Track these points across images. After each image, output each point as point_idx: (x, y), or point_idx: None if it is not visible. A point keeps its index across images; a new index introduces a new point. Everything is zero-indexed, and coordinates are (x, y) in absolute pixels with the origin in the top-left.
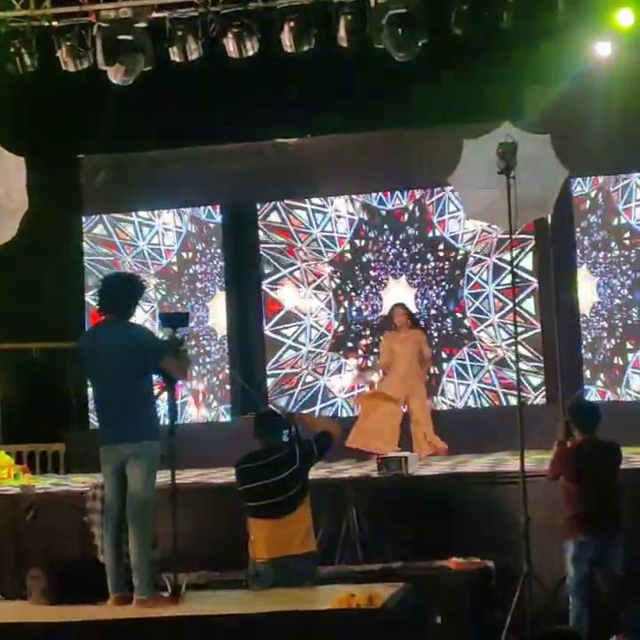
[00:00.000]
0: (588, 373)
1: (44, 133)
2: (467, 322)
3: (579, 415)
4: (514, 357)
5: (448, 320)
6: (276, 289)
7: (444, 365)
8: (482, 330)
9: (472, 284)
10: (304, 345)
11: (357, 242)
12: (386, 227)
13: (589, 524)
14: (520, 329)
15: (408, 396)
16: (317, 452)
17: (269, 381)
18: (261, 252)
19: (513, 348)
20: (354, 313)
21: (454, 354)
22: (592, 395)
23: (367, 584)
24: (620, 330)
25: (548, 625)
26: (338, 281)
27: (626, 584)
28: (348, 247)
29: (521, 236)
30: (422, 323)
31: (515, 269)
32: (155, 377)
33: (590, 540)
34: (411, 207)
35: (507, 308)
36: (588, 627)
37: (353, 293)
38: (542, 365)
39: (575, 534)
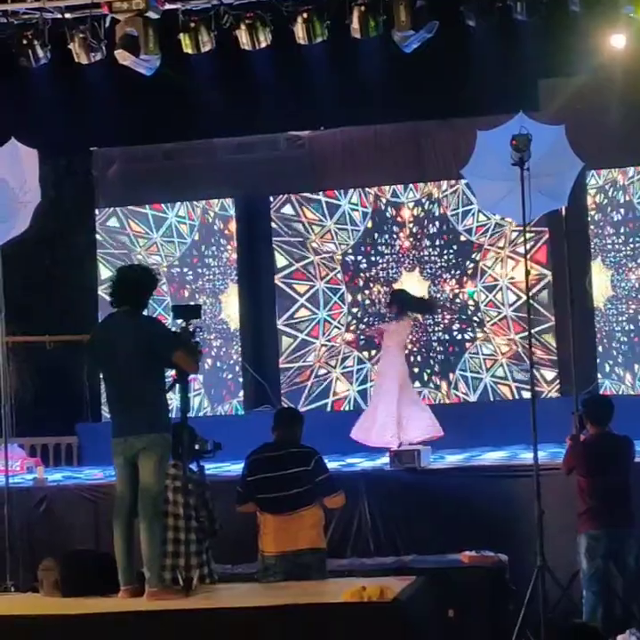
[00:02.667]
0: (602, 366)
1: (57, 126)
2: (480, 315)
3: (592, 409)
4: (527, 351)
5: (461, 313)
6: (290, 283)
7: (458, 358)
8: (495, 322)
9: (485, 277)
10: (317, 339)
11: (370, 235)
12: (399, 219)
13: (601, 517)
14: (533, 321)
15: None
16: (325, 481)
17: (282, 375)
18: (274, 245)
19: (527, 341)
20: (366, 306)
21: (467, 348)
22: (606, 388)
23: (379, 577)
24: (635, 323)
25: (562, 618)
26: (350, 274)
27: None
28: (360, 240)
29: (534, 228)
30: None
31: (528, 262)
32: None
33: (602, 533)
34: (424, 200)
35: (520, 302)
36: (602, 620)
37: (366, 286)
38: (556, 359)
39: (587, 528)
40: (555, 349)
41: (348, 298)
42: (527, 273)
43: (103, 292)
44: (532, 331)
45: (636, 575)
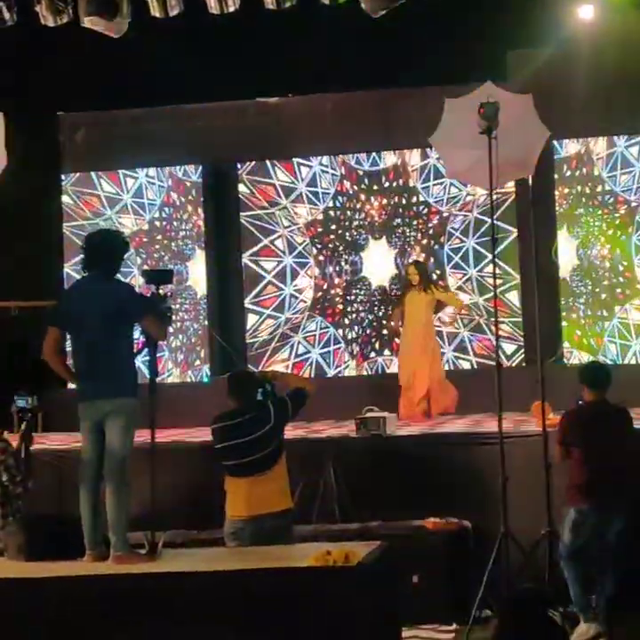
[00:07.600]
0: (566, 335)
1: (24, 90)
2: (446, 280)
3: (587, 373)
4: (492, 318)
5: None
6: (258, 261)
7: None
8: (460, 285)
9: (452, 239)
10: (282, 314)
11: (337, 202)
12: (366, 187)
13: (593, 491)
14: (499, 282)
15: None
16: (292, 410)
17: (249, 349)
18: (242, 221)
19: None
20: (333, 273)
21: None
22: (571, 357)
23: (344, 543)
24: (600, 292)
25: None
26: (319, 245)
27: (617, 553)
28: (328, 208)
29: (502, 189)
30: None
31: (495, 222)
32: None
33: (592, 508)
34: (392, 168)
35: (486, 261)
36: (580, 595)
37: (333, 254)
38: (521, 324)
39: (577, 502)
40: (519, 310)
41: (316, 271)
42: (494, 236)
43: (70, 266)
44: (498, 291)
45: (614, 551)
